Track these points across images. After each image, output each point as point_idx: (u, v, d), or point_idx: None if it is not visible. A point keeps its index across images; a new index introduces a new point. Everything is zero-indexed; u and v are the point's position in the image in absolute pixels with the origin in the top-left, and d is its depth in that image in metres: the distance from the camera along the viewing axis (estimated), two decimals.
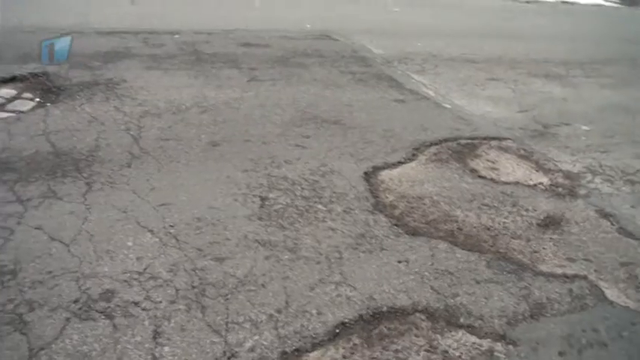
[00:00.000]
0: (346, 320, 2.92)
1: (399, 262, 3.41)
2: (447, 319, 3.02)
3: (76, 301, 2.89)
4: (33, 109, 5.12)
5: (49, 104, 5.21)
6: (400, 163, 4.69)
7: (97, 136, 4.61)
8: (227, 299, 2.97)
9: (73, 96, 5.38)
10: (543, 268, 3.55)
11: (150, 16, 8.63)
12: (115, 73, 6.02)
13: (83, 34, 7.26)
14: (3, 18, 7.44)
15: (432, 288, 3.23)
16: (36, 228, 3.43)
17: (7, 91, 5.42)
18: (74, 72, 5.95)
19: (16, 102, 5.25)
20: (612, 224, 4.19)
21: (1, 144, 4.40)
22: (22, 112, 5.03)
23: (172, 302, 2.93)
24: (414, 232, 3.73)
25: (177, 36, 7.53)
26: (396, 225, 3.79)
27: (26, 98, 5.33)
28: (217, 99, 5.62)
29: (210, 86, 5.95)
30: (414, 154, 4.87)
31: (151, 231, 3.47)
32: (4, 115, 4.96)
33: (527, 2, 16.19)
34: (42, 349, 2.59)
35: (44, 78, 5.75)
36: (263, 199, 3.94)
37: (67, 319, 2.78)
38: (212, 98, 5.63)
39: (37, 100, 5.31)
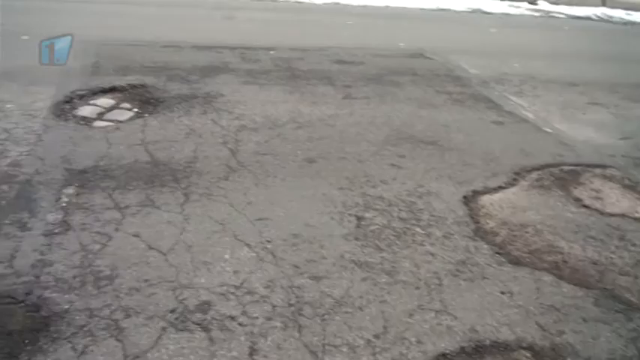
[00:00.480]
0: (447, 351, 2.79)
1: (502, 293, 3.25)
2: (554, 358, 2.84)
3: (172, 311, 2.90)
4: (131, 119, 5.25)
5: (147, 115, 5.33)
6: (501, 188, 4.51)
7: (195, 148, 4.67)
8: (324, 320, 2.91)
9: (171, 108, 5.49)
10: None
11: (245, 32, 8.77)
12: (212, 87, 6.12)
13: (181, 49, 7.44)
14: (103, 33, 7.74)
15: (537, 324, 3.05)
16: (133, 235, 3.48)
17: (107, 101, 5.58)
18: (172, 85, 6.08)
19: (115, 111, 5.40)
20: None
21: (101, 152, 4.51)
22: (120, 121, 5.17)
23: (269, 319, 2.89)
24: (517, 262, 3.56)
25: (272, 52, 7.61)
26: (498, 253, 3.62)
27: (124, 108, 5.48)
28: (312, 115, 5.62)
29: (306, 102, 5.95)
30: (514, 179, 4.67)
31: (247, 245, 3.45)
32: (103, 124, 5.10)
33: (625, 24, 15.54)
34: (137, 357, 2.60)
35: (143, 89, 5.91)
36: (359, 218, 3.86)
37: (164, 329, 2.78)
38: (307, 114, 5.62)
39: (135, 110, 5.45)
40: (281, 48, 7.85)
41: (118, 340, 2.69)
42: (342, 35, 9.29)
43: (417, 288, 3.21)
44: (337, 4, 12.10)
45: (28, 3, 9.59)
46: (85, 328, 2.75)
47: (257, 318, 2.88)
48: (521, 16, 14.29)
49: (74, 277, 3.10)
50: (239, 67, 6.92)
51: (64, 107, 5.34)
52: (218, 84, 6.24)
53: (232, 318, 2.87)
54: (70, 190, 3.96)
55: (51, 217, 3.64)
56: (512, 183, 4.61)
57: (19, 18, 8.45)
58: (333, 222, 3.80)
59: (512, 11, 14.64)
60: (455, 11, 13.47)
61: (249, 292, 3.06)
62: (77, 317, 2.83)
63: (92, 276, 3.11)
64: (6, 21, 7.66)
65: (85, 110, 5.34)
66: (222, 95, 5.90)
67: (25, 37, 7.31)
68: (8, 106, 5.25)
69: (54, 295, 2.97)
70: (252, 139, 4.93)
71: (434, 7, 13.52)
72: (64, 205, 3.78)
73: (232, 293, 3.04)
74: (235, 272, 3.20)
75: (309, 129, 5.28)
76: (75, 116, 5.19)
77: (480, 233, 3.84)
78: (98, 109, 5.38)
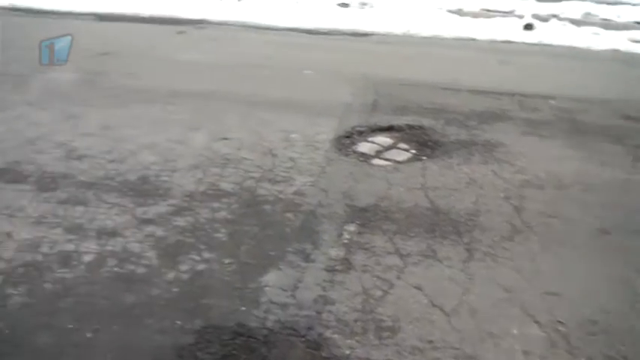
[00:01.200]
0: None
1: None
2: None
3: None
4: (409, 160, 5.24)
5: (424, 158, 5.27)
6: None
7: (476, 200, 4.49)
8: None
9: (450, 153, 5.37)
10: None
11: (520, 77, 8.36)
12: (491, 135, 5.88)
13: (457, 91, 7.29)
14: (381, 72, 7.90)
15: None
16: (415, 287, 3.41)
17: (384, 140, 5.65)
18: (450, 129, 5.96)
19: (393, 151, 5.44)
20: None
21: (381, 192, 4.54)
22: (398, 162, 5.19)
23: None
24: None
25: (552, 101, 7.15)
26: None
27: (402, 149, 5.50)
28: (601, 178, 5.09)
29: (593, 162, 5.41)
30: None
31: (537, 322, 3.17)
32: (382, 162, 5.17)
33: None
34: None
35: (420, 131, 5.88)
36: None
37: None
38: (595, 176, 5.11)
39: (413, 152, 5.43)
40: (561, 97, 7.32)
41: None
42: (625, 86, 8.45)
43: None
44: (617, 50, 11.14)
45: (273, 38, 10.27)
46: None
47: None
48: None
49: (355, 321, 3.11)
50: (517, 115, 6.59)
51: (345, 142, 5.52)
52: (497, 132, 5.98)
53: None
54: (352, 228, 4.03)
55: (333, 253, 3.72)
56: None
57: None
58: (634, 313, 3.34)
59: None
60: None
61: None
62: None
63: (374, 324, 3.10)
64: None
65: (364, 147, 5.47)
66: (503, 145, 5.62)
67: (308, 72, 7.78)
68: (293, 135, 5.56)
69: (335, 336, 3.00)
70: (536, 198, 4.59)
71: None
72: (345, 241, 3.85)
73: None
74: (525, 353, 2.95)
75: (599, 194, 4.78)
76: (355, 152, 5.34)
77: None
78: (376, 147, 5.48)
